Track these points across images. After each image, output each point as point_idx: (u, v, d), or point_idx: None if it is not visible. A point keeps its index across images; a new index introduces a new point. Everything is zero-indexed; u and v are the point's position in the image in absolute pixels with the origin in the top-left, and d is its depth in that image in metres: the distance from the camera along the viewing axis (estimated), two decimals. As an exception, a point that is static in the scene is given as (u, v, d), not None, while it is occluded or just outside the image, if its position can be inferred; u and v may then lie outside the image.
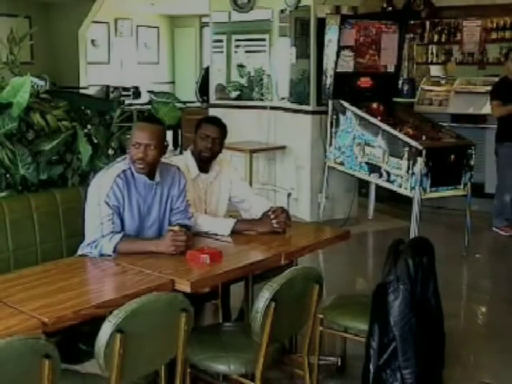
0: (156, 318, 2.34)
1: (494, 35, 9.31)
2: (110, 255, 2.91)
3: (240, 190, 3.62)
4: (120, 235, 2.93)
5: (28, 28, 6.08)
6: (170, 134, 10.01)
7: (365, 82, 6.49)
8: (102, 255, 2.91)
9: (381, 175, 5.80)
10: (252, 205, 3.55)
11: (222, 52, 7.55)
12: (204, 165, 3.52)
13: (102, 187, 2.96)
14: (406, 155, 5.51)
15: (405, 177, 5.53)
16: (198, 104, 10.32)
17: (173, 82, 14.50)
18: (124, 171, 3.00)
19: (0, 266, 3.00)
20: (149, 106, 4.23)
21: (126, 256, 2.88)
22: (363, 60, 6.45)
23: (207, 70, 8.54)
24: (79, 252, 3.03)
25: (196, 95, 10.69)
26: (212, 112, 7.61)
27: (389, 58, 6.61)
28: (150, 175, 3.06)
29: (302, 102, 6.70)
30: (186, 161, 3.49)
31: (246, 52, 7.31)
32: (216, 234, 3.26)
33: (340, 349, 3.58)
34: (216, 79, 7.65)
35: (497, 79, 6.68)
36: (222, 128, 3.53)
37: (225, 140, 3.57)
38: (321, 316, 3.22)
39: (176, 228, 2.94)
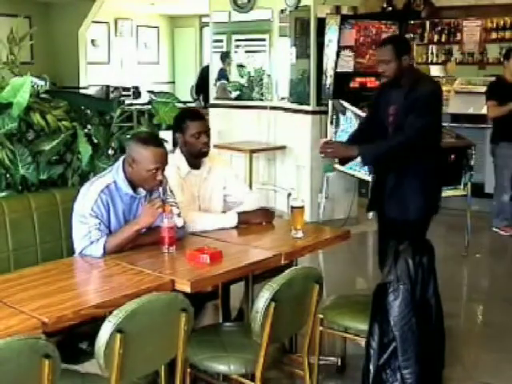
0: (156, 317, 2.34)
1: (494, 35, 9.31)
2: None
3: (235, 189, 3.64)
4: (106, 236, 2.94)
5: (28, 28, 6.08)
6: (169, 134, 10.00)
7: (365, 81, 6.49)
8: None
9: (381, 175, 5.78)
10: (243, 202, 3.61)
11: (222, 52, 7.56)
12: (195, 161, 3.51)
13: (88, 199, 2.97)
14: (405, 155, 5.49)
15: (405, 177, 5.51)
16: (197, 104, 10.31)
17: (173, 82, 14.51)
18: (108, 186, 3.00)
19: (0, 265, 3.00)
20: (149, 106, 4.24)
21: (127, 256, 2.88)
22: (363, 60, 6.44)
23: (203, 69, 8.48)
24: None
25: (191, 94, 10.64)
26: (212, 112, 7.63)
27: (389, 58, 6.60)
28: (135, 188, 3.06)
29: (301, 102, 6.69)
30: (175, 160, 3.44)
31: (246, 52, 7.30)
32: (224, 228, 3.33)
33: (340, 349, 3.59)
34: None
35: (492, 79, 6.65)
36: (204, 117, 3.59)
37: None
38: (321, 316, 3.22)
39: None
